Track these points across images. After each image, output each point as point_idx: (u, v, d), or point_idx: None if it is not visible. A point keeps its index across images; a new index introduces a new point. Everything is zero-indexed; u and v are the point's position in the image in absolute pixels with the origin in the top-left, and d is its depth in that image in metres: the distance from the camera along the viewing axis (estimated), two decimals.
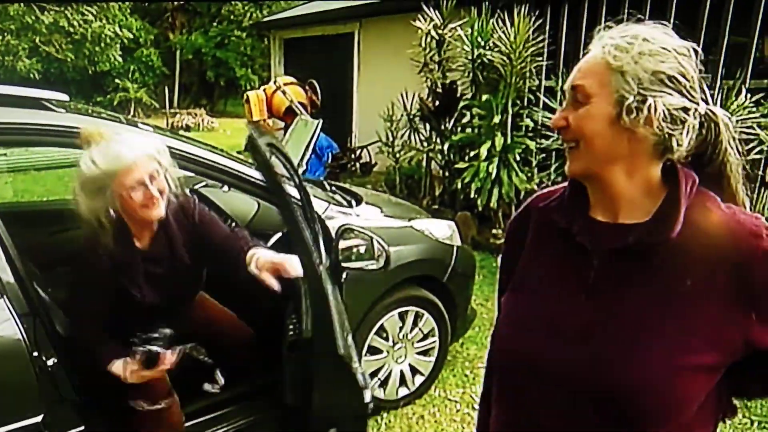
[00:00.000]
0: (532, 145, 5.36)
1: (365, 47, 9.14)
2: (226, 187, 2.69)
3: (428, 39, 5.94)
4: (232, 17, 22.26)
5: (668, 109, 0.85)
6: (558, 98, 5.28)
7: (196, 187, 2.91)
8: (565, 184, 1.04)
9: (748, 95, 4.07)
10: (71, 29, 13.84)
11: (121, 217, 1.87)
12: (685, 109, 0.86)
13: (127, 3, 19.10)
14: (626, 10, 5.31)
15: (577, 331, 0.91)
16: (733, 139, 0.94)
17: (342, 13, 9.21)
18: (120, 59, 18.22)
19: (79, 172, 1.75)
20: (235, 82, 22.64)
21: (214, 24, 22.90)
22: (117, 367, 1.78)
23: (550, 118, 5.08)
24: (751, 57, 4.62)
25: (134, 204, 1.79)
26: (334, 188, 3.00)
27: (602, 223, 0.95)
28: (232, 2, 22.06)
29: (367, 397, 1.25)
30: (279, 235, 2.41)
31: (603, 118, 0.87)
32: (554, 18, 5.90)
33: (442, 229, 2.96)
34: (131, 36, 18.03)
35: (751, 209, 0.96)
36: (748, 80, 4.59)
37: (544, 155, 5.51)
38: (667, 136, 0.86)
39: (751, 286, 0.84)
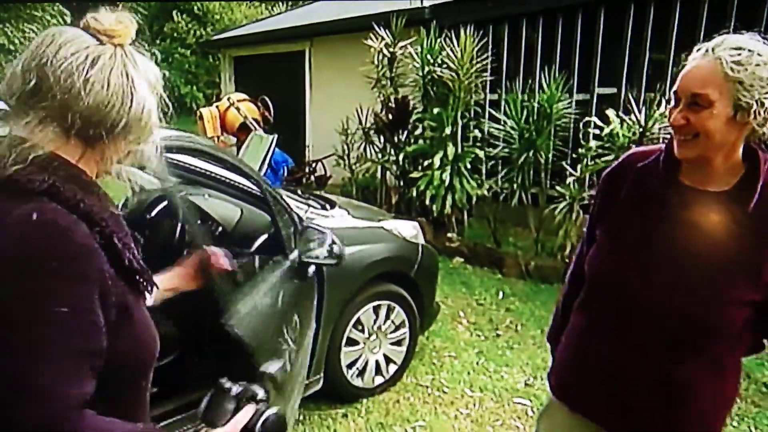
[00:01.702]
0: (480, 153, 5.77)
1: (316, 64, 9.43)
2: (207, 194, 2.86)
3: (380, 56, 6.28)
4: (175, 35, 22.08)
5: None
6: (502, 110, 5.72)
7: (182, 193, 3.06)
8: (659, 146, 1.36)
9: (667, 105, 4.58)
10: (12, 47, 13.44)
11: None
12: None
13: (66, 19, 18.64)
14: (559, 31, 5.86)
15: (670, 266, 1.25)
16: None
17: (292, 32, 9.47)
18: None
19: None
20: (181, 100, 22.41)
21: (157, 42, 22.64)
22: None
23: (496, 128, 5.54)
24: (669, 72, 5.20)
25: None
26: (308, 195, 3.26)
27: (692, 188, 1.24)
28: (175, 21, 21.89)
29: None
30: (264, 237, 2.63)
31: (723, 118, 1.13)
32: (496, 37, 6.39)
33: (408, 229, 3.28)
34: None
35: None
36: (667, 93, 5.17)
37: (492, 163, 5.94)
38: (764, 126, 1.14)
39: None
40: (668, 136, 3.29)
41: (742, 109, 1.12)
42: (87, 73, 0.85)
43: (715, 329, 1.24)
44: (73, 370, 0.80)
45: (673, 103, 1.21)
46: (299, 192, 3.34)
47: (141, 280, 0.94)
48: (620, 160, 1.44)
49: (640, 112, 4.43)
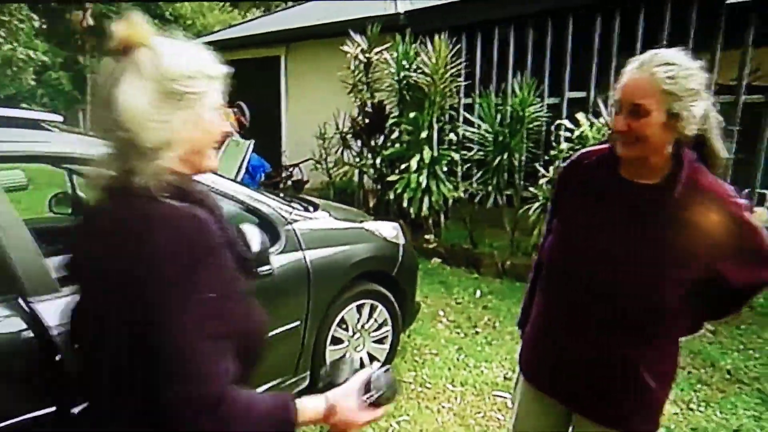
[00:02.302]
0: (456, 156, 5.91)
1: (292, 69, 9.49)
2: None
3: (356, 62, 6.38)
4: None
5: (697, 114, 1.31)
6: (476, 113, 5.88)
7: None
8: (601, 146, 1.55)
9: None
10: None
11: None
12: (704, 109, 1.33)
13: (34, 24, 18.31)
14: (530, 38, 6.04)
15: (614, 251, 1.41)
16: (717, 125, 1.40)
17: (268, 37, 9.52)
18: (32, 82, 17.45)
19: (143, 69, 1.06)
20: None
21: None
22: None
23: (470, 132, 5.69)
24: None
25: (208, 133, 1.20)
26: (290, 198, 3.34)
27: (630, 181, 1.43)
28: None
29: None
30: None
31: (658, 124, 1.31)
32: (469, 44, 6.56)
33: (389, 230, 3.38)
34: (46, 59, 17.31)
35: None
36: None
37: (468, 165, 6.08)
38: (689, 129, 1.32)
39: (721, 233, 1.32)
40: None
41: (674, 116, 1.30)
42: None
43: (655, 306, 1.38)
44: (222, 351, 0.91)
45: (615, 110, 1.39)
46: (281, 195, 3.41)
47: (248, 266, 1.08)
48: (571, 159, 1.64)
49: (608, 114, 4.62)
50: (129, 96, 0.93)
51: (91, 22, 22.56)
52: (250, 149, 7.55)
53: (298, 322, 2.75)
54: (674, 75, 1.28)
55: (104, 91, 0.95)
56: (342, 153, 7.08)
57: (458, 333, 4.03)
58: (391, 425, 2.91)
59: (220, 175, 2.82)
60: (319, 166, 7.53)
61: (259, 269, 2.39)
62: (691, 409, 2.96)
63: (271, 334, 2.64)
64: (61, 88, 20.84)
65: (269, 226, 2.70)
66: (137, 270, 0.88)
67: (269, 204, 2.76)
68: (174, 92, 0.96)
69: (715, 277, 1.36)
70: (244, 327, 1.01)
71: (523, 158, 5.54)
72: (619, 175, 1.45)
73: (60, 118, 2.26)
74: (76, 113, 19.18)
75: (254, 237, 2.31)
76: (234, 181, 2.89)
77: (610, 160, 1.47)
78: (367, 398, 1.11)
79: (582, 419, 1.57)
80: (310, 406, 1.04)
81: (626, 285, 1.38)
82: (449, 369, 3.48)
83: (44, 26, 21.42)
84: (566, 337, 1.50)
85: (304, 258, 2.75)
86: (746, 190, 5.09)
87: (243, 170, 7.46)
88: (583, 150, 1.64)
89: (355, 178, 7.09)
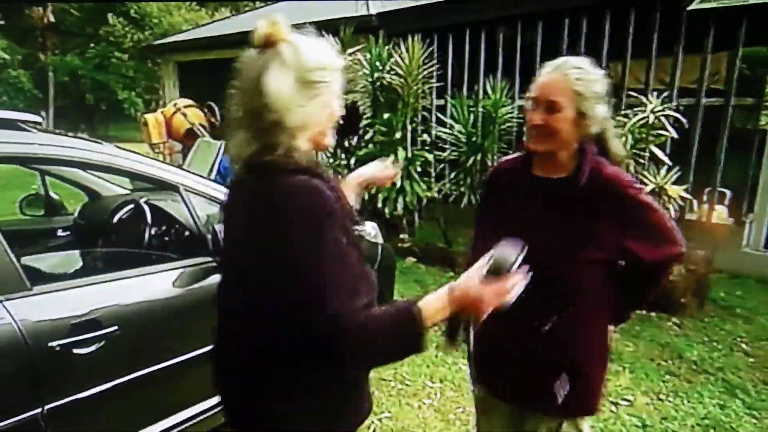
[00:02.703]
0: (430, 157, 5.99)
1: None
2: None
3: None
4: (111, 38, 21.38)
5: (599, 115, 1.47)
6: (448, 115, 5.97)
7: (147, 199, 3.08)
8: (518, 154, 1.69)
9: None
10: None
11: None
12: (606, 111, 1.49)
13: None
14: (501, 41, 6.17)
15: (534, 240, 1.49)
16: (612, 126, 1.59)
17: (239, 37, 9.43)
18: None
19: (287, 61, 1.20)
20: (117, 106, 21.74)
21: (92, 45, 21.87)
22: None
23: (444, 133, 5.77)
24: None
25: (330, 116, 1.34)
26: None
27: (542, 177, 1.56)
28: (111, 24, 21.18)
29: None
30: None
31: (569, 120, 1.45)
32: (441, 46, 6.65)
33: (369, 229, 3.42)
34: (4, 56, 16.79)
35: None
36: None
37: (441, 166, 6.17)
38: (592, 128, 1.48)
39: (623, 213, 1.46)
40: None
41: (581, 114, 1.45)
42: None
43: (580, 290, 1.51)
44: (354, 290, 1.09)
45: (530, 106, 1.51)
46: None
47: (357, 228, 1.22)
48: (494, 166, 1.81)
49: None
50: (276, 83, 1.10)
51: (52, 18, 22.02)
52: (222, 150, 7.49)
53: None
54: (583, 78, 1.44)
55: (252, 79, 1.13)
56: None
57: (435, 330, 4.07)
58: (373, 422, 2.95)
59: (202, 176, 2.83)
60: None
61: None
62: (661, 400, 3.08)
63: None
64: (21, 86, 20.23)
65: None
66: (280, 229, 1.07)
67: None
68: (311, 81, 1.14)
69: (629, 256, 1.50)
70: (364, 274, 1.21)
71: (496, 158, 5.65)
72: (532, 174, 1.59)
73: (39, 119, 2.23)
74: (37, 112, 18.59)
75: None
76: (213, 180, 2.88)
77: (525, 163, 1.62)
78: (487, 269, 1.16)
79: (529, 414, 1.65)
80: (431, 300, 1.15)
81: (551, 275, 1.44)
82: (428, 366, 3.54)
83: (1, 22, 20.78)
84: (500, 335, 1.51)
85: None
86: (707, 189, 5.31)
87: (215, 171, 7.40)
88: (503, 159, 1.80)
89: None
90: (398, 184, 5.69)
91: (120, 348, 2.10)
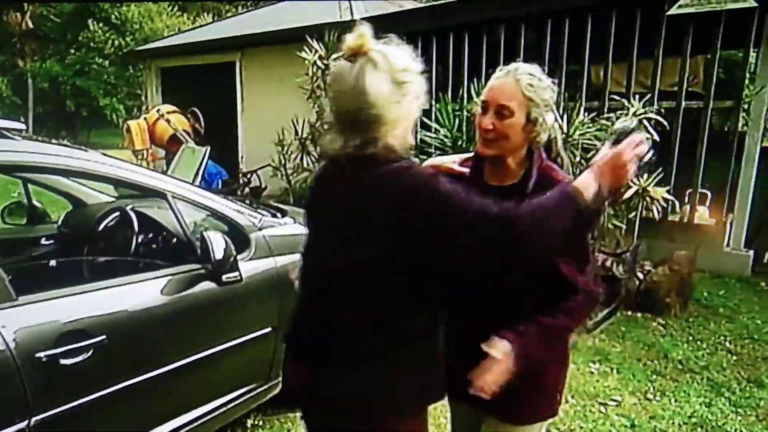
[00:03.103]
0: (416, 161, 5.98)
1: (248, 75, 9.41)
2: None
3: (314, 68, 6.39)
4: (91, 44, 21.12)
5: (548, 122, 1.48)
6: (433, 119, 5.99)
7: (133, 206, 3.04)
8: (465, 156, 1.69)
9: (585, 113, 5.01)
10: None
11: None
12: (553, 119, 1.51)
13: None
14: (484, 44, 6.21)
15: None
16: (561, 134, 1.63)
17: (223, 43, 9.41)
18: None
19: (381, 65, 1.29)
20: (99, 112, 21.47)
21: (72, 51, 21.59)
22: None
23: (429, 137, 5.79)
24: (584, 82, 5.66)
25: (414, 115, 1.41)
26: (257, 204, 3.34)
27: (492, 185, 1.55)
28: (91, 30, 20.92)
29: None
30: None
31: (519, 125, 1.46)
32: (425, 50, 6.68)
33: None
34: None
35: None
36: (584, 102, 5.62)
37: None
38: (541, 135, 1.49)
39: None
40: (589, 141, 3.68)
41: (531, 121, 1.46)
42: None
43: (531, 293, 1.50)
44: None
45: (481, 111, 1.50)
46: (248, 201, 3.40)
47: None
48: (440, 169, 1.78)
49: (561, 119, 4.80)
50: (375, 84, 1.27)
51: (30, 24, 21.70)
52: (207, 156, 7.44)
53: (269, 329, 2.75)
54: (535, 85, 1.45)
55: (350, 83, 1.28)
56: (302, 159, 7.05)
57: None
58: None
59: (188, 182, 2.81)
60: (278, 172, 7.47)
61: (226, 276, 2.41)
62: (648, 399, 3.12)
63: (241, 340, 2.66)
64: None
65: (239, 233, 2.70)
66: (428, 201, 1.23)
67: (238, 211, 2.76)
68: (401, 81, 1.29)
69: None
70: None
71: None
72: (484, 181, 1.58)
73: (22, 126, 2.20)
74: (17, 119, 18.28)
75: (217, 244, 2.32)
76: (205, 188, 2.87)
77: (476, 169, 1.61)
78: (611, 142, 1.32)
79: (488, 420, 1.63)
80: (580, 179, 1.29)
81: (506, 283, 1.48)
82: None
83: None
84: (460, 338, 1.49)
85: (275, 264, 2.76)
86: (689, 191, 5.39)
87: (199, 177, 7.34)
88: (449, 161, 1.74)
89: None
90: None
91: (108, 358, 2.07)
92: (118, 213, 2.90)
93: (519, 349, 1.39)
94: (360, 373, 1.34)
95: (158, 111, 8.93)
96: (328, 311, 1.40)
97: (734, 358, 3.60)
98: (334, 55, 6.25)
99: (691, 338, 3.88)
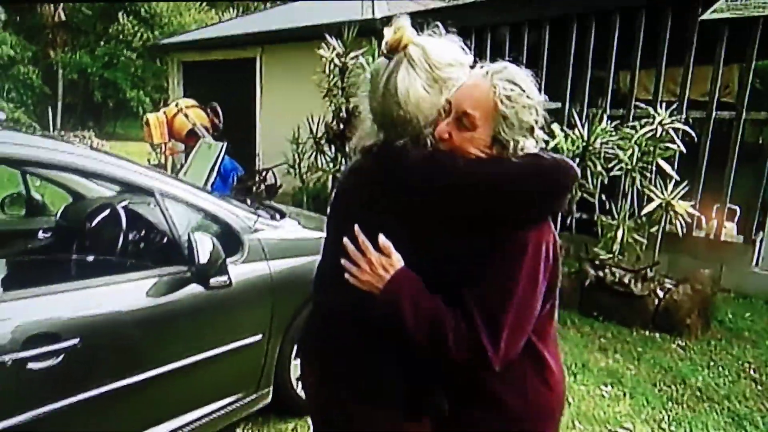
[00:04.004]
0: None
1: (267, 72, 9.34)
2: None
3: (331, 66, 6.28)
4: (120, 37, 21.41)
5: (523, 149, 1.17)
6: None
7: (123, 203, 2.94)
8: None
9: (609, 121, 4.80)
10: None
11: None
12: (533, 147, 1.20)
13: (4, 17, 17.84)
14: (506, 47, 6.01)
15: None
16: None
17: (243, 38, 9.36)
18: None
19: (416, 62, 1.20)
20: (126, 104, 21.74)
21: (101, 43, 21.90)
22: None
23: None
24: (609, 89, 5.43)
25: None
26: (257, 205, 3.22)
27: None
28: (121, 23, 21.19)
29: None
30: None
31: (480, 144, 1.16)
32: None
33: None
34: (11, 53, 16.78)
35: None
36: (608, 109, 5.40)
37: None
38: None
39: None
40: (611, 151, 3.45)
41: (498, 142, 1.15)
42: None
43: None
44: None
45: (444, 113, 1.20)
46: (248, 201, 3.28)
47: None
48: None
49: (583, 126, 4.60)
50: (407, 83, 1.18)
51: (63, 16, 22.09)
52: (223, 152, 7.36)
53: (260, 336, 2.63)
54: (513, 98, 1.14)
55: (382, 82, 1.20)
56: (316, 158, 6.95)
57: None
58: None
59: (183, 181, 2.70)
60: (292, 170, 7.38)
61: (214, 280, 2.29)
62: (663, 429, 2.91)
63: (230, 347, 2.55)
64: (30, 82, 20.26)
65: (232, 235, 2.58)
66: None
67: (233, 212, 2.64)
68: (440, 78, 1.20)
69: None
70: None
71: None
72: None
73: (2, 116, 2.10)
74: (45, 109, 18.64)
75: (204, 246, 2.20)
76: (197, 187, 2.75)
77: None
78: None
79: None
80: None
81: None
82: None
83: (17, 18, 20.87)
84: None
85: (268, 268, 2.64)
86: (716, 206, 5.13)
87: (215, 173, 7.27)
88: None
89: (329, 184, 6.97)
90: None
91: (81, 363, 1.98)
92: (108, 210, 2.80)
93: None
94: (369, 378, 1.29)
95: (177, 105, 8.89)
96: (331, 305, 1.38)
97: (759, 387, 3.35)
98: (353, 54, 6.14)
99: (712, 363, 3.64)
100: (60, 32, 22.36)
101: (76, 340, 1.93)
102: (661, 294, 4.10)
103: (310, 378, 1.49)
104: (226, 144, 7.40)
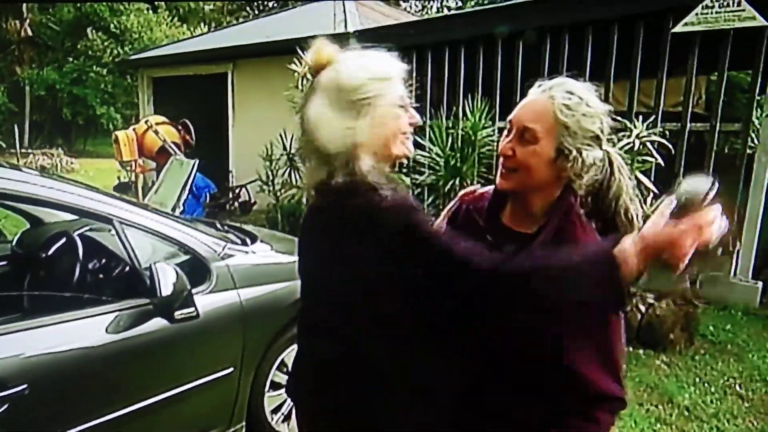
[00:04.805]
0: (407, 180, 5.75)
1: (239, 87, 9.20)
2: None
3: (304, 81, 6.16)
4: (89, 53, 21.00)
5: (592, 161, 1.13)
6: (427, 136, 5.75)
7: (81, 231, 2.77)
8: (488, 187, 1.36)
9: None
10: None
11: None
12: (600, 159, 1.15)
13: None
14: (480, 60, 5.98)
15: None
16: (630, 187, 1.21)
17: (214, 53, 9.21)
18: None
19: (325, 87, 1.16)
20: (96, 121, 21.27)
21: (69, 59, 21.45)
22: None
23: (423, 156, 5.55)
24: None
25: (392, 128, 1.17)
26: (226, 227, 3.07)
27: (508, 228, 1.25)
28: (90, 38, 20.81)
29: None
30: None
31: (544, 158, 1.13)
32: (420, 65, 6.45)
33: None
34: None
35: None
36: None
37: (419, 190, 5.93)
38: (582, 177, 1.14)
39: None
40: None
41: (562, 154, 1.12)
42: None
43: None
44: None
45: (506, 132, 1.21)
46: (218, 225, 3.13)
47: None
48: (453, 201, 1.46)
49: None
50: (316, 111, 1.13)
51: (29, 32, 21.60)
52: (195, 169, 7.20)
53: (231, 369, 2.48)
54: (574, 108, 1.12)
55: (301, 109, 1.17)
56: (290, 174, 6.81)
57: None
58: None
59: (145, 207, 2.54)
60: (265, 187, 7.22)
61: (180, 312, 2.14)
62: None
63: (199, 382, 2.39)
64: None
65: (198, 264, 2.43)
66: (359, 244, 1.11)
67: (199, 239, 2.49)
68: (352, 101, 1.11)
69: None
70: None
71: (475, 183, 5.42)
72: (499, 220, 1.28)
73: None
74: (12, 127, 18.14)
75: (167, 277, 2.05)
76: (161, 213, 2.59)
77: (494, 205, 1.29)
78: (674, 207, 0.93)
79: None
80: (622, 248, 0.93)
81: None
82: None
83: None
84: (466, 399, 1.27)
85: (238, 297, 2.49)
86: None
87: (187, 191, 7.11)
88: (467, 190, 1.44)
89: (304, 201, 6.82)
90: None
91: (31, 410, 1.81)
92: (64, 238, 2.62)
93: None
94: (355, 417, 1.23)
95: (147, 122, 8.71)
96: (319, 355, 1.30)
97: (746, 404, 3.29)
98: None
99: (698, 380, 3.57)
100: (26, 48, 21.86)
101: (23, 387, 1.76)
102: (643, 309, 4.04)
103: (300, 421, 1.42)
104: (197, 161, 7.25)
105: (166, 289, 2.03)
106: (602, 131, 1.15)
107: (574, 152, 1.11)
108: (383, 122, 1.14)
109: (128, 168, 9.19)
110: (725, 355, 3.96)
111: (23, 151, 17.33)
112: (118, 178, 11.12)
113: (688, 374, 3.65)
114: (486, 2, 18.31)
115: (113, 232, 2.66)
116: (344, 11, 8.41)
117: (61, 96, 20.80)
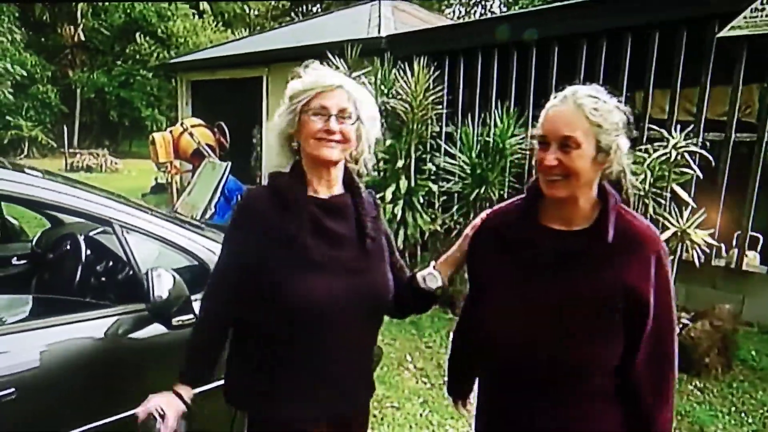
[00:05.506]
0: (434, 188, 5.63)
1: (274, 91, 9.25)
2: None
3: None
4: (137, 56, 21.69)
5: (623, 149, 1.26)
6: (458, 144, 5.62)
7: (91, 234, 2.79)
8: (512, 200, 1.46)
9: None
10: None
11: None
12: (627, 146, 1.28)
13: (16, 37, 18.17)
14: (514, 66, 5.81)
15: (546, 315, 1.26)
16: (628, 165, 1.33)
17: (250, 57, 9.30)
18: (11, 96, 17.14)
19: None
20: (141, 123, 21.93)
21: (118, 63, 22.19)
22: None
23: (450, 163, 5.42)
24: None
25: (308, 130, 1.43)
26: None
27: (553, 230, 1.31)
28: (138, 43, 21.49)
29: None
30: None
31: (588, 158, 1.23)
32: (452, 70, 6.33)
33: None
34: (24, 73, 17.01)
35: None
36: None
37: (446, 197, 5.80)
38: (620, 165, 1.27)
39: (653, 271, 1.23)
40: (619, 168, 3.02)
41: (602, 150, 1.24)
42: None
43: (598, 364, 1.27)
44: None
45: (539, 146, 1.28)
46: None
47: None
48: (479, 222, 1.51)
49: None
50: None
51: (82, 37, 22.48)
52: (227, 172, 7.25)
53: None
54: (600, 108, 1.25)
55: None
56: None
57: (425, 383, 3.69)
58: None
59: (149, 211, 2.51)
60: None
61: (179, 319, 2.09)
62: None
63: (200, 390, 2.34)
64: (48, 101, 20.55)
65: (202, 269, 2.38)
66: None
67: (204, 244, 2.44)
68: (290, 107, 1.48)
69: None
70: None
71: (504, 192, 5.25)
72: (540, 225, 1.34)
73: None
74: (63, 127, 18.87)
75: (162, 284, 2.00)
76: (166, 217, 2.56)
77: (527, 211, 1.37)
78: None
79: None
80: None
81: (568, 347, 1.25)
82: (410, 427, 3.14)
83: (37, 38, 21.23)
84: (521, 413, 1.34)
85: None
86: (737, 233, 4.83)
87: (218, 193, 7.16)
88: (490, 211, 1.52)
89: None
90: (399, 215, 5.34)
91: (18, 416, 1.79)
92: (70, 240, 2.63)
93: None
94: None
95: (183, 124, 8.86)
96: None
97: None
98: (356, 73, 5.98)
99: (734, 409, 3.33)
100: (78, 52, 22.75)
101: (10, 390, 1.74)
102: (677, 330, 3.81)
103: None
104: (229, 164, 7.30)
105: (160, 294, 1.99)
106: (622, 121, 1.27)
107: (613, 145, 1.24)
108: (301, 127, 1.48)
109: (164, 169, 9.37)
110: (766, 383, 3.68)
111: (71, 151, 17.97)
112: (156, 179, 11.36)
113: (723, 402, 3.40)
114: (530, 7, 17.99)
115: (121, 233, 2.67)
116: (379, 16, 8.37)
117: (109, 98, 21.55)
